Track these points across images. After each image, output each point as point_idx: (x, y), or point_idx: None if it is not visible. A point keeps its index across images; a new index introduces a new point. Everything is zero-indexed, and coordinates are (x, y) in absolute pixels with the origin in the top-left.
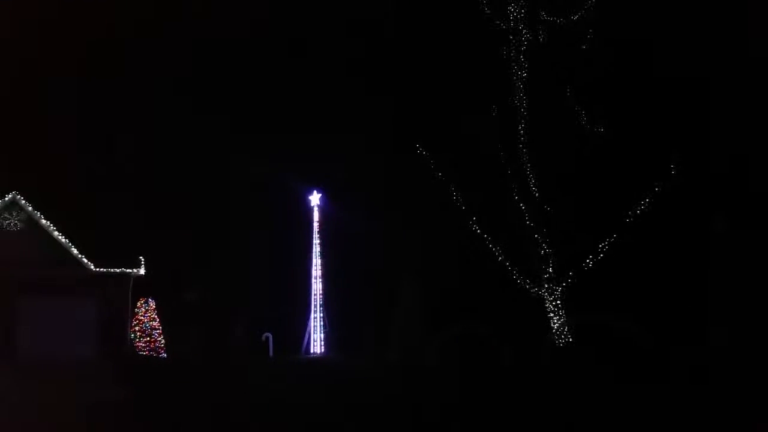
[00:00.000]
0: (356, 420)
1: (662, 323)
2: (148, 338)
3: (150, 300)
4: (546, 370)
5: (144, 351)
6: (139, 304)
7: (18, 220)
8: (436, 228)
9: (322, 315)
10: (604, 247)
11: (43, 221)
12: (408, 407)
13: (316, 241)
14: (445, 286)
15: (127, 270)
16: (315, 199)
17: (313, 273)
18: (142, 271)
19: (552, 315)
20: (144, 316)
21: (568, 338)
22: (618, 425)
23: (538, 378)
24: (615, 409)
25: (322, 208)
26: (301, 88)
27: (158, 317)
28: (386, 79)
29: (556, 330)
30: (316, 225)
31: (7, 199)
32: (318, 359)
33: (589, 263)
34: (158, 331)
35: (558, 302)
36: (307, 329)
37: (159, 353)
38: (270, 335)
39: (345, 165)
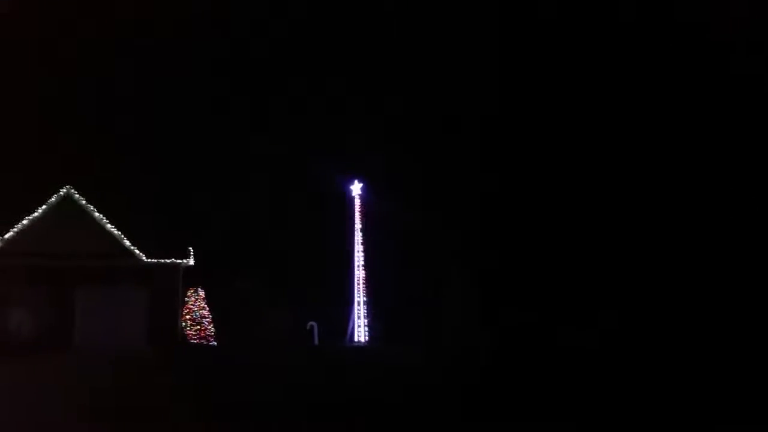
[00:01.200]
0: (408, 407)
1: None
2: (199, 326)
3: (199, 289)
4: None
5: (195, 339)
6: (189, 293)
7: (72, 214)
8: (482, 215)
9: (365, 303)
10: None
11: (97, 215)
12: (459, 393)
13: (357, 230)
14: (493, 274)
15: (177, 260)
16: (356, 188)
17: (356, 262)
18: (191, 262)
19: None
20: (194, 305)
21: None
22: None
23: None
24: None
25: (364, 198)
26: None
27: (208, 306)
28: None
29: None
30: (357, 214)
31: (61, 193)
32: (363, 347)
33: None
34: (208, 319)
35: None
36: (351, 318)
37: (209, 341)
38: (315, 324)
39: (387, 154)
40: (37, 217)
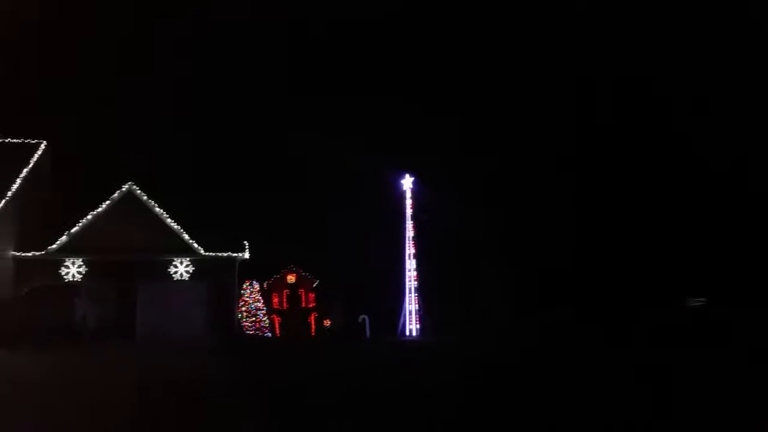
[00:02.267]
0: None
1: None
2: (254, 318)
3: (254, 282)
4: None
5: (250, 330)
6: (244, 286)
7: (134, 210)
8: (528, 212)
9: (416, 298)
10: None
11: (157, 210)
12: (510, 387)
13: (408, 224)
14: (539, 270)
15: (233, 254)
16: (407, 182)
17: (407, 256)
18: (246, 255)
19: None
20: (249, 298)
21: None
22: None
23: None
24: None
25: (415, 192)
26: (398, 75)
27: (262, 298)
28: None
29: None
30: (408, 208)
31: (124, 189)
32: (414, 341)
33: None
34: (263, 312)
35: None
36: (402, 312)
37: (264, 333)
38: (366, 317)
39: (438, 149)
40: (100, 213)
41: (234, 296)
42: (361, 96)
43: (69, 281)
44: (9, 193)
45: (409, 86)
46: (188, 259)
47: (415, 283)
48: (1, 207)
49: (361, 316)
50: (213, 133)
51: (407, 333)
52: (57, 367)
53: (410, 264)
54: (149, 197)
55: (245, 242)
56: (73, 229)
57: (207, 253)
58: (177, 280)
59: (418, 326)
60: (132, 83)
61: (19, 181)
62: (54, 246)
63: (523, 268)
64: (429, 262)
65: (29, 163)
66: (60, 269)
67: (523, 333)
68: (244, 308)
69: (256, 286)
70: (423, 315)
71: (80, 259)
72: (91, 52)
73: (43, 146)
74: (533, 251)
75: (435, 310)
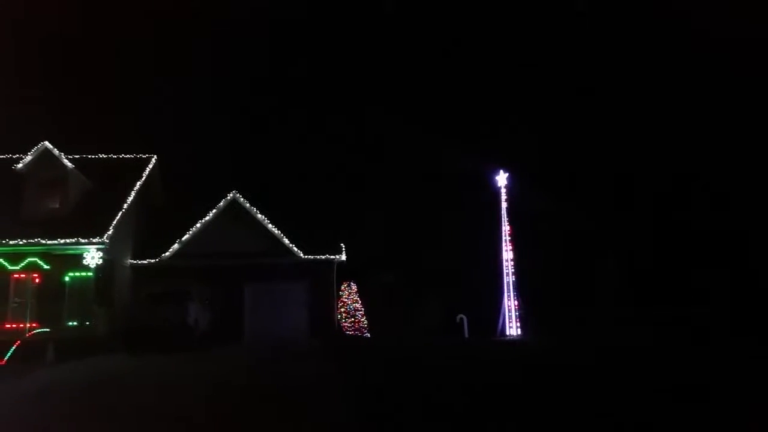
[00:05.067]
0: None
1: None
2: (353, 319)
3: (352, 283)
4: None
5: (349, 331)
6: (343, 287)
7: (238, 217)
8: (634, 206)
9: (516, 296)
10: None
11: (259, 216)
12: (616, 389)
13: (505, 221)
14: (646, 267)
15: (331, 256)
16: (502, 179)
17: (504, 254)
18: (343, 257)
19: None
20: (348, 299)
21: None
22: None
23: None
24: None
25: (510, 188)
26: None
27: (360, 299)
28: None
29: None
30: (504, 205)
31: (228, 198)
32: (515, 341)
33: None
34: (361, 312)
35: None
36: (502, 311)
37: (363, 333)
38: (464, 317)
39: (535, 143)
40: (208, 221)
41: (333, 297)
42: (454, 92)
43: (181, 286)
44: (125, 206)
45: (503, 80)
46: (289, 262)
47: (515, 281)
48: (119, 219)
49: (459, 316)
50: (309, 136)
51: (507, 333)
52: (184, 368)
53: (508, 262)
54: (251, 204)
55: (342, 244)
56: (184, 237)
57: (306, 256)
58: (279, 283)
59: (518, 326)
60: (229, 96)
61: (133, 194)
62: (167, 254)
63: (638, 263)
64: (529, 260)
65: (142, 177)
66: (173, 275)
67: (634, 335)
68: (343, 309)
69: (354, 287)
70: (524, 314)
71: (191, 265)
72: (186, 67)
73: (153, 160)
74: (646, 245)
75: (537, 309)
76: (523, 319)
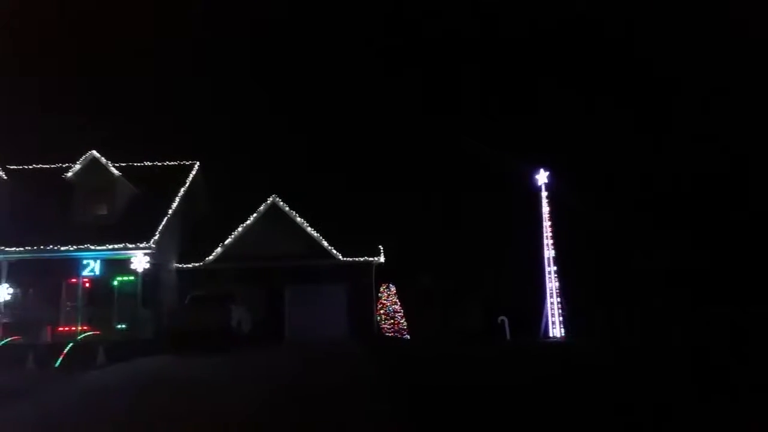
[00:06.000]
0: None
1: None
2: (392, 321)
3: (391, 285)
4: None
5: (389, 332)
6: (381, 289)
7: (278, 220)
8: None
9: (559, 297)
10: None
11: (299, 219)
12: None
13: (546, 221)
14: (697, 266)
15: (370, 258)
16: (542, 177)
17: (546, 254)
18: (382, 259)
19: None
20: (387, 300)
21: None
22: None
23: None
24: None
25: (550, 187)
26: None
27: (399, 301)
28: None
29: None
30: (545, 203)
31: (268, 202)
32: (559, 343)
33: None
34: (400, 314)
35: None
36: (545, 312)
37: (402, 335)
38: (506, 318)
39: (577, 140)
40: (249, 224)
41: (372, 299)
42: (493, 90)
43: (224, 289)
44: (170, 211)
45: (543, 78)
46: (328, 264)
47: (557, 281)
48: (164, 224)
49: (500, 318)
50: (347, 139)
51: (551, 334)
52: (228, 369)
53: (550, 261)
54: (291, 208)
55: (380, 246)
56: (226, 241)
57: (345, 259)
58: (319, 285)
59: (562, 327)
60: (267, 101)
61: (177, 199)
62: (210, 257)
63: (688, 262)
64: (572, 259)
65: (185, 183)
66: (216, 278)
67: (685, 336)
68: (382, 311)
69: (393, 288)
70: (567, 315)
71: (233, 268)
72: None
73: (196, 166)
74: (697, 243)
75: (581, 309)
76: (567, 319)
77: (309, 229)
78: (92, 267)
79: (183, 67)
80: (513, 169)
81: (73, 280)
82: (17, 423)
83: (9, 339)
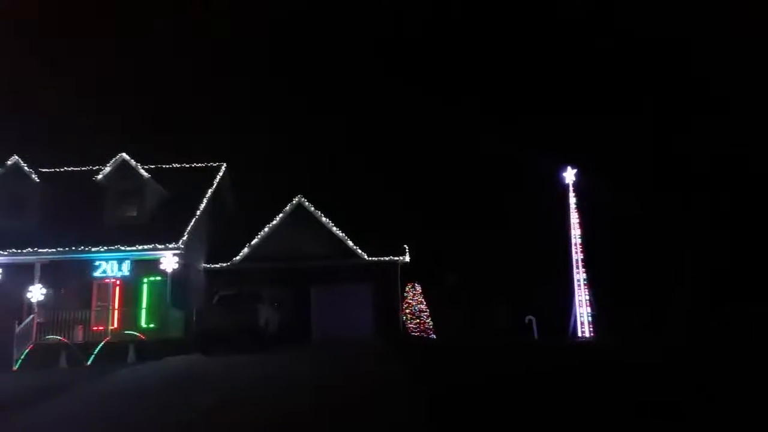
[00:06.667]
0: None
1: None
2: (418, 320)
3: (416, 284)
4: None
5: (415, 332)
6: (407, 288)
7: (304, 221)
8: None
9: (587, 296)
10: None
11: (324, 219)
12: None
13: (574, 219)
14: (721, 266)
15: (395, 258)
16: (570, 175)
17: (573, 252)
18: (407, 259)
19: None
20: (412, 300)
21: None
22: None
23: None
24: None
25: (578, 184)
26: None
27: (425, 300)
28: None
29: None
30: (572, 201)
31: (294, 202)
32: (590, 343)
33: None
34: (426, 313)
35: None
36: (573, 311)
37: (428, 334)
38: (533, 318)
39: (603, 138)
40: (275, 225)
41: (398, 299)
42: (521, 87)
43: (252, 289)
44: (198, 212)
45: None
46: (354, 264)
47: (586, 280)
48: (192, 225)
49: (528, 317)
50: (371, 139)
51: (579, 334)
52: (256, 368)
53: (578, 261)
54: (316, 208)
55: (405, 246)
56: (253, 241)
57: (370, 258)
58: (345, 284)
59: (591, 327)
60: (291, 102)
61: (205, 200)
62: (238, 257)
63: (718, 260)
64: (600, 258)
65: (212, 184)
66: (243, 278)
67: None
68: (408, 310)
69: (419, 288)
70: (596, 314)
71: (260, 268)
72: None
73: (223, 168)
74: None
75: (610, 309)
76: (596, 319)
77: (334, 228)
78: (123, 267)
79: (208, 68)
80: (540, 167)
81: (105, 280)
82: (51, 420)
83: (43, 338)
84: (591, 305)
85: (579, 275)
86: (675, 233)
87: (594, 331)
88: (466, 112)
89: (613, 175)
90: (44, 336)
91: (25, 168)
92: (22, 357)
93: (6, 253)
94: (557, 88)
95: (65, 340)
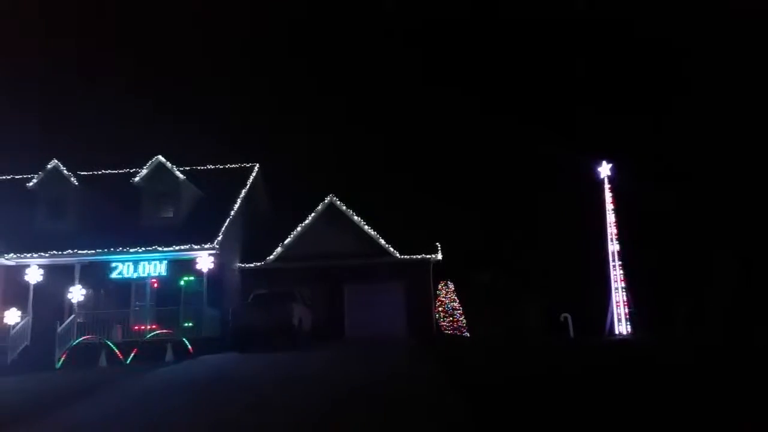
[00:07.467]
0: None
1: None
2: (451, 318)
3: (449, 283)
4: None
5: (448, 330)
6: (440, 286)
7: (336, 219)
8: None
9: (624, 293)
10: None
11: (356, 218)
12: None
13: (609, 215)
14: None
15: (427, 256)
16: (605, 169)
17: (610, 248)
18: (439, 257)
19: None
20: (445, 298)
21: None
22: None
23: None
24: None
25: (614, 179)
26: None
27: (458, 298)
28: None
29: None
30: (608, 196)
31: (326, 201)
32: (627, 341)
33: None
34: (459, 311)
35: None
36: (610, 308)
37: (461, 332)
38: (569, 315)
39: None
40: (308, 224)
41: (430, 297)
42: (552, 86)
43: (285, 288)
44: (232, 213)
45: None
46: (386, 262)
47: (622, 277)
48: (227, 225)
49: (563, 315)
50: (399, 137)
51: (616, 332)
52: (292, 366)
53: (615, 257)
54: (348, 207)
55: (437, 244)
56: (286, 241)
57: (403, 256)
58: (377, 282)
59: (628, 324)
60: (321, 102)
61: (239, 201)
62: (271, 257)
63: (742, 258)
64: (637, 254)
65: (246, 185)
66: (277, 277)
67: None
68: (441, 308)
69: (451, 286)
70: (634, 312)
71: (293, 267)
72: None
73: (256, 168)
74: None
75: (648, 306)
76: (634, 316)
77: (366, 227)
78: (160, 268)
79: (239, 69)
80: (576, 161)
81: (142, 281)
82: (95, 419)
83: (83, 338)
84: (628, 303)
85: (615, 272)
86: (713, 229)
87: (631, 329)
88: (500, 110)
89: (649, 169)
90: (84, 336)
91: (65, 172)
92: (64, 357)
93: (47, 254)
94: (592, 86)
95: (105, 340)
